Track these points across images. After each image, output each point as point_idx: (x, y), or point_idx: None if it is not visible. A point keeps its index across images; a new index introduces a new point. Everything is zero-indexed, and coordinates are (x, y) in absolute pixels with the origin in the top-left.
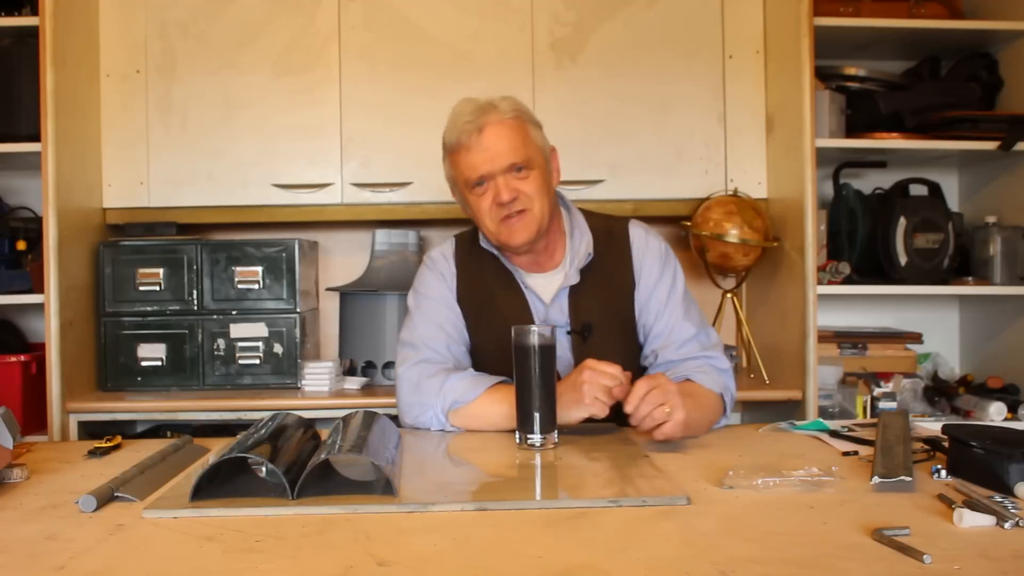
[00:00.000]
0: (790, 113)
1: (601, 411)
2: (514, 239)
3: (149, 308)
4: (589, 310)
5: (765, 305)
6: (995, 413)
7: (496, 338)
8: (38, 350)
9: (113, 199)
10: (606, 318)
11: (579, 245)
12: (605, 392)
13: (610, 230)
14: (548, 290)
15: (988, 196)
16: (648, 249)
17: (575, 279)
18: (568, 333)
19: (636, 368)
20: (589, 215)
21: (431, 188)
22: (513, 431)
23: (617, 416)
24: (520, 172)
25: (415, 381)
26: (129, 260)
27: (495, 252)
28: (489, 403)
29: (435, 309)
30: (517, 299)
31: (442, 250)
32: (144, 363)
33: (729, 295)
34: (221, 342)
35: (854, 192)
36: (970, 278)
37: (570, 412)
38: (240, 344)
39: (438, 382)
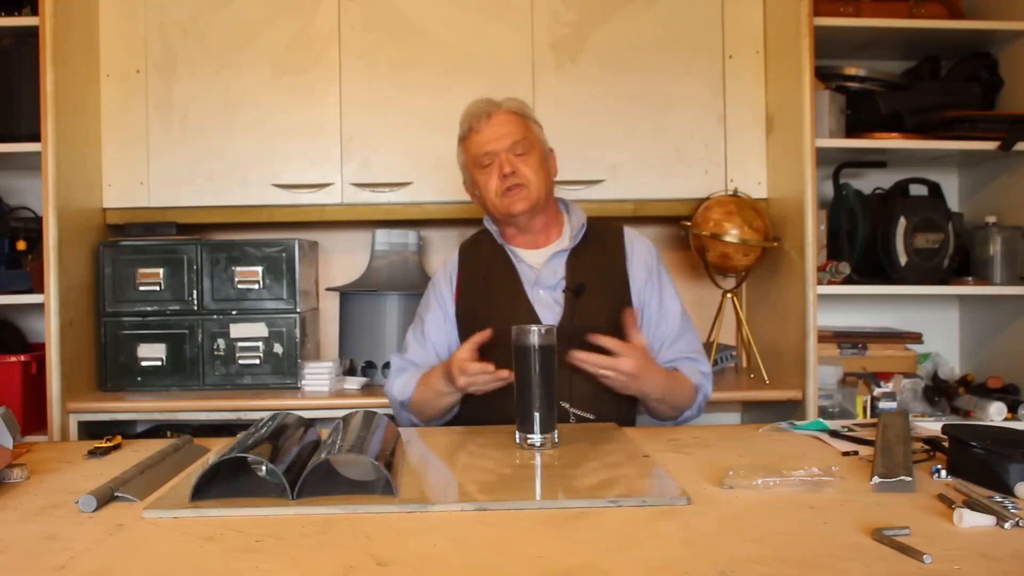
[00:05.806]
0: (790, 113)
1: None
2: (514, 208)
3: (149, 308)
4: (584, 273)
5: (765, 305)
6: (995, 413)
7: (486, 303)
8: (38, 350)
9: (113, 199)
10: (598, 283)
11: (575, 221)
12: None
13: (603, 222)
14: (540, 259)
15: (988, 196)
16: (638, 242)
17: (574, 243)
18: (564, 292)
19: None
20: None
21: (431, 188)
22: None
23: (617, 416)
24: (521, 155)
25: (391, 389)
26: (129, 260)
27: (493, 231)
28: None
29: (428, 306)
30: (507, 268)
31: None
32: (144, 363)
33: (729, 295)
34: (221, 342)
35: (854, 192)
36: (970, 278)
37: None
38: (240, 344)
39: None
